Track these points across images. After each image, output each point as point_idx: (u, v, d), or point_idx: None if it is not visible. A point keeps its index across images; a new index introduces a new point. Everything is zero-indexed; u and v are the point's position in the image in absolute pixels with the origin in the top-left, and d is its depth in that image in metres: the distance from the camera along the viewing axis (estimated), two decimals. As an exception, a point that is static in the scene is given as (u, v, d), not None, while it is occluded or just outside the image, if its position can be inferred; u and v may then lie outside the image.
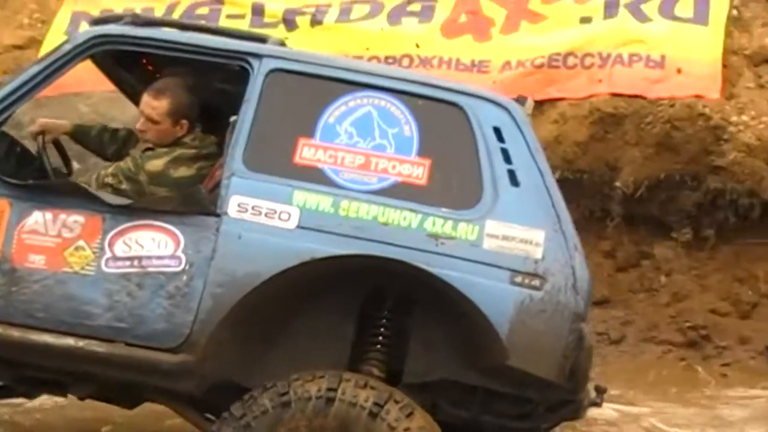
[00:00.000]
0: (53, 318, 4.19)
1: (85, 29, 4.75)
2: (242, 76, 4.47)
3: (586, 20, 7.98)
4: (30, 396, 5.15)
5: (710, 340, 7.22)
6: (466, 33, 8.06)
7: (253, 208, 4.25)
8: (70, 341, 4.17)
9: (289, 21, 8.21)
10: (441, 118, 4.41)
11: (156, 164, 4.64)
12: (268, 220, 4.23)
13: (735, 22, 7.91)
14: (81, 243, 4.25)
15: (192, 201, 4.30)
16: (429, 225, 4.22)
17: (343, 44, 8.04)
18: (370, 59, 7.95)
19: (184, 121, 4.71)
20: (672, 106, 7.51)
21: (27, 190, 4.30)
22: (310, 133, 4.36)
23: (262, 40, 4.72)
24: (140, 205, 4.30)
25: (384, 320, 4.41)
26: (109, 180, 4.58)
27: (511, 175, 4.32)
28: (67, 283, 4.21)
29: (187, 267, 4.20)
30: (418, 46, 8.00)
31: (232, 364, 4.31)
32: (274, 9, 8.28)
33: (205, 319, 4.15)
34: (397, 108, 4.45)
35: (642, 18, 7.92)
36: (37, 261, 4.22)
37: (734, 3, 7.99)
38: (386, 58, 7.98)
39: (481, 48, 7.98)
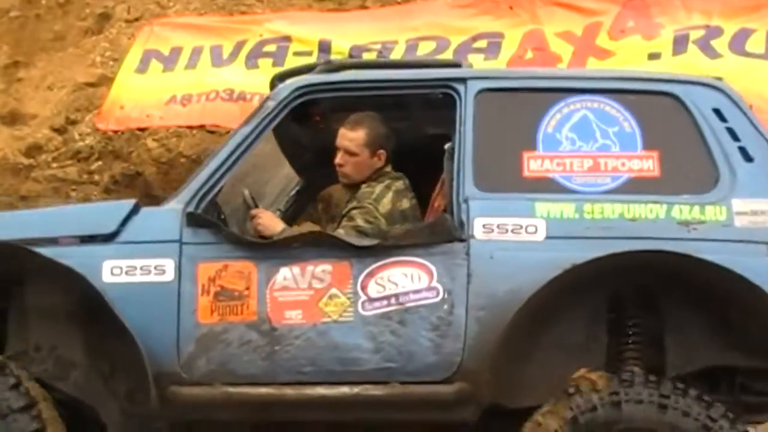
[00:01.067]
0: (322, 370, 4.26)
1: (283, 84, 4.85)
2: (433, 104, 4.65)
3: (654, 56, 7.88)
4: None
5: None
6: (532, 70, 8.02)
7: (498, 226, 4.33)
8: (344, 390, 4.25)
9: (355, 58, 8.21)
10: (658, 110, 4.53)
11: (384, 203, 4.72)
12: (515, 236, 4.32)
13: (807, 58, 7.75)
14: (334, 291, 4.33)
15: (440, 231, 4.36)
16: (677, 213, 4.32)
17: (412, 81, 8.07)
18: (436, 96, 8.01)
19: (382, 152, 4.79)
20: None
21: (267, 248, 4.40)
22: (532, 146, 4.48)
23: (456, 65, 4.85)
24: (389, 243, 4.36)
25: (634, 318, 4.45)
26: (354, 225, 4.58)
27: (743, 151, 4.46)
28: (328, 333, 4.28)
29: (445, 296, 4.27)
30: (485, 82, 7.99)
31: (501, 385, 4.36)
32: (341, 46, 8.24)
33: (474, 345, 4.22)
34: (611, 107, 4.55)
35: (712, 54, 7.81)
36: (294, 316, 4.30)
37: (807, 39, 7.80)
38: (457, 94, 8.01)
39: (548, 84, 7.94)
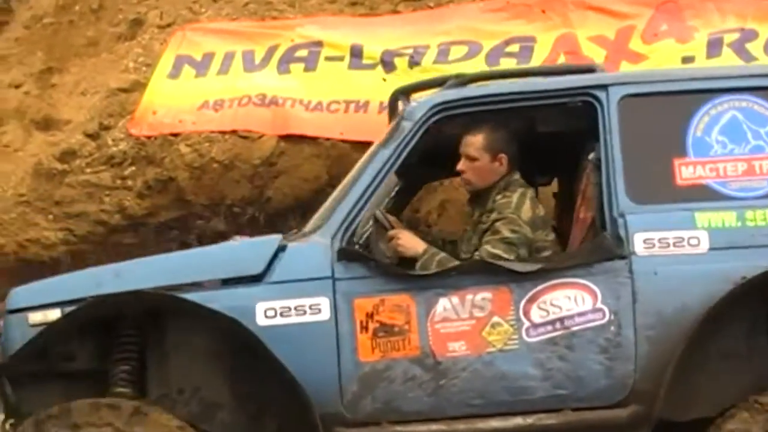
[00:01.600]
0: (492, 401, 4.18)
1: (417, 102, 4.69)
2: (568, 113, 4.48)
3: (688, 60, 7.83)
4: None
5: None
6: (566, 74, 7.98)
7: (659, 241, 4.21)
8: (518, 421, 4.18)
9: (387, 63, 8.21)
10: None
11: (525, 211, 4.56)
12: (678, 249, 4.19)
13: (842, 60, 7.69)
14: (496, 319, 4.24)
15: (601, 249, 4.25)
16: None
17: (442, 86, 8.06)
18: (468, 100, 7.98)
19: (502, 155, 4.64)
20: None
21: (423, 278, 4.28)
22: (682, 152, 4.32)
23: (589, 70, 4.68)
24: (551, 266, 4.24)
25: None
26: (501, 237, 4.45)
27: None
28: (494, 362, 4.20)
29: (611, 317, 4.18)
30: (517, 86, 7.97)
31: (671, 401, 4.26)
32: (372, 50, 8.25)
33: (645, 365, 4.15)
34: (760, 105, 4.40)
35: (747, 58, 7.76)
36: (458, 348, 4.20)
37: None
38: (485, 98, 7.99)
39: (581, 88, 7.91)
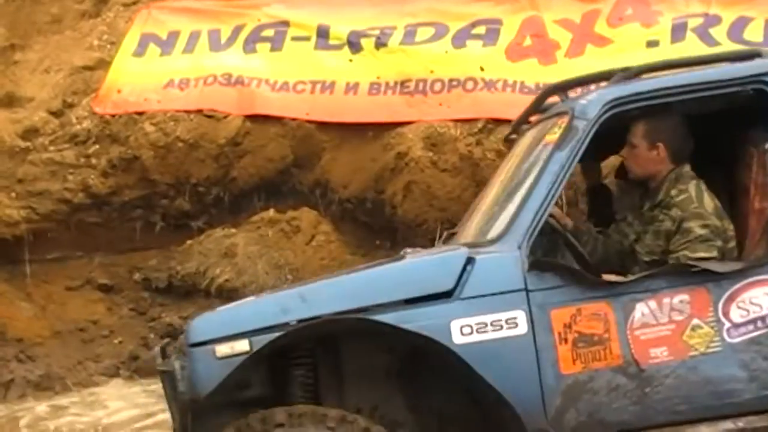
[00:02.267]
0: (698, 407, 4.07)
1: (587, 99, 4.46)
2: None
3: (653, 44, 7.90)
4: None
5: None
6: (531, 56, 8.03)
7: None
8: (728, 425, 4.07)
9: (353, 43, 8.21)
10: None
11: (707, 202, 4.41)
12: None
13: (806, 46, 7.76)
14: (696, 321, 4.11)
15: None
16: None
17: (407, 67, 8.13)
18: (433, 82, 8.00)
19: (660, 145, 4.46)
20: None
21: (618, 285, 4.14)
22: None
23: (755, 55, 4.49)
24: (749, 265, 4.14)
25: None
26: (697, 236, 4.32)
27: None
28: (698, 367, 4.08)
29: None
30: (482, 69, 8.02)
31: None
32: (339, 31, 8.25)
33: None
34: None
35: (710, 42, 7.82)
36: (660, 354, 4.08)
37: (807, 27, 7.81)
38: (450, 80, 8.07)
39: (546, 71, 7.96)
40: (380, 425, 4.06)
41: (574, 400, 4.05)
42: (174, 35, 8.45)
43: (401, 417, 4.21)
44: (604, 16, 8.02)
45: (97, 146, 8.26)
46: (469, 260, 4.09)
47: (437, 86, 8.04)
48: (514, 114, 7.65)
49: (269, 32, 8.37)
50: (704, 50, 7.74)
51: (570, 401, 4.05)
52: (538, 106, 5.05)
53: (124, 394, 7.34)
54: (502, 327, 4.01)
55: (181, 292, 7.92)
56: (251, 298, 4.46)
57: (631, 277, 4.18)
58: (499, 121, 7.83)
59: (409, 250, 4.66)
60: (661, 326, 4.11)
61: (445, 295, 4.04)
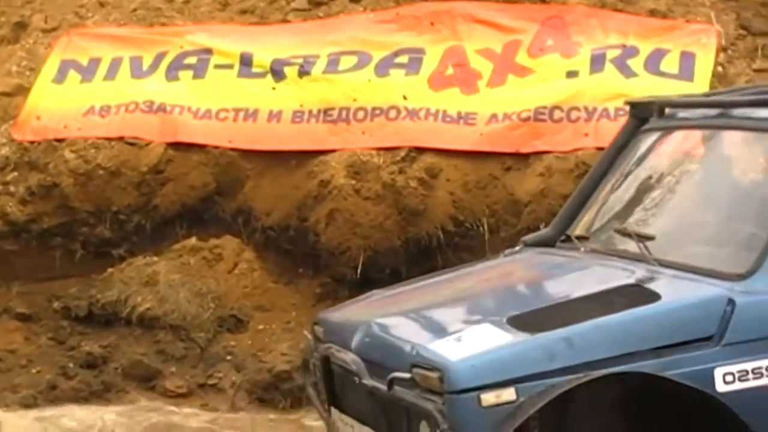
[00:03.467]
0: None
1: None
2: None
3: (572, 74, 8.02)
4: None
5: None
6: (453, 85, 8.10)
7: None
8: None
9: (276, 71, 8.21)
10: None
11: None
12: None
13: (720, 79, 7.95)
14: None
15: None
16: None
17: (331, 95, 8.14)
18: (356, 110, 8.04)
19: None
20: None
21: None
22: None
23: None
24: None
25: None
26: None
27: None
28: None
29: None
30: (405, 97, 8.07)
31: None
32: (262, 59, 8.25)
33: None
34: None
35: (628, 74, 7.97)
36: None
37: (719, 60, 8.00)
38: (373, 109, 8.09)
39: (468, 101, 8.06)
40: None
41: None
42: (95, 62, 8.38)
43: None
44: (525, 46, 8.13)
45: (15, 173, 8.14)
46: (730, 302, 3.90)
47: (360, 114, 8.07)
48: (436, 142, 7.85)
49: (192, 60, 8.34)
50: (623, 81, 7.93)
51: None
52: (729, 107, 4.70)
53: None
54: (762, 375, 3.87)
55: (102, 321, 7.82)
56: (511, 342, 3.96)
57: None
58: (421, 150, 7.89)
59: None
60: None
61: (707, 340, 3.89)
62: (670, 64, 7.94)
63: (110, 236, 8.09)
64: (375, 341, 4.26)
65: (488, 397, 3.70)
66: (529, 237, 5.06)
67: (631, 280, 4.18)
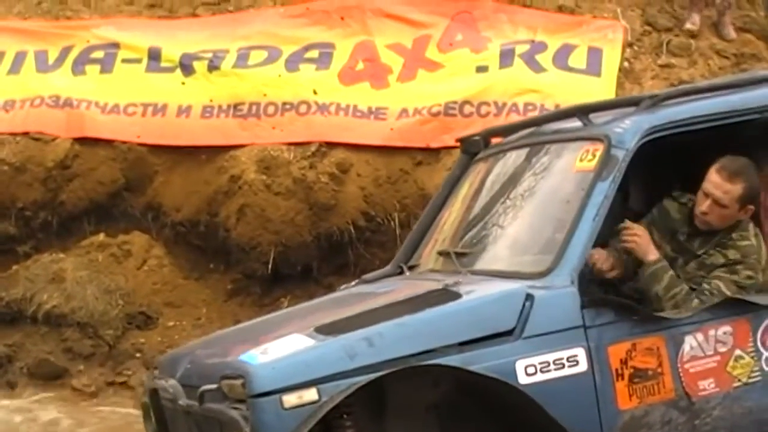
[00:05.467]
0: None
1: (617, 126, 4.34)
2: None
3: (482, 69, 8.08)
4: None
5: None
6: (363, 80, 8.11)
7: None
8: None
9: (185, 66, 8.14)
10: None
11: (763, 255, 4.39)
12: None
13: (627, 74, 8.07)
14: (738, 352, 4.15)
15: None
16: None
17: (240, 90, 8.10)
18: (266, 105, 8.00)
19: (751, 207, 4.39)
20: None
21: (669, 319, 4.12)
22: None
23: None
24: None
25: None
26: (736, 281, 4.28)
27: None
28: (741, 397, 4.13)
29: None
30: (315, 92, 8.05)
31: None
32: (171, 53, 8.16)
33: None
34: None
35: (536, 68, 8.04)
36: (707, 386, 4.10)
37: (626, 55, 8.12)
38: (283, 104, 8.07)
39: (379, 95, 8.07)
40: None
41: None
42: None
43: None
44: (435, 41, 8.17)
45: None
46: (528, 297, 4.01)
47: (270, 109, 8.03)
48: (346, 137, 7.85)
49: (99, 54, 8.23)
50: (531, 76, 8.00)
51: None
52: (541, 123, 4.90)
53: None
54: (563, 365, 3.96)
55: (7, 319, 7.68)
56: (314, 345, 4.02)
57: (691, 312, 4.17)
58: (332, 145, 7.88)
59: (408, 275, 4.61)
60: (708, 358, 4.13)
61: (507, 334, 3.97)
62: (578, 59, 8.04)
63: (15, 233, 7.97)
64: (194, 366, 4.33)
65: (290, 399, 3.76)
66: (369, 275, 5.16)
67: (439, 286, 4.30)
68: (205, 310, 7.81)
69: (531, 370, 3.94)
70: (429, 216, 5.20)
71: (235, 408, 3.82)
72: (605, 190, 4.17)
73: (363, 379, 3.79)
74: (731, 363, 4.17)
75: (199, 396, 4.04)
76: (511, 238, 4.56)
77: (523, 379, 3.92)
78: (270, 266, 7.70)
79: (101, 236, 7.98)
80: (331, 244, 7.80)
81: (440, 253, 4.84)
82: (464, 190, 5.05)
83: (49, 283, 7.65)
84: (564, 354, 3.97)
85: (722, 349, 4.16)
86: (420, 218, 5.35)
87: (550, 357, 3.95)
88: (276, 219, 7.74)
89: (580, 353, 3.99)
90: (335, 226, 7.77)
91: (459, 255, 4.61)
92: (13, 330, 7.62)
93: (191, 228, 8.00)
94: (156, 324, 7.72)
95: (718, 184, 4.34)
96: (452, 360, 3.88)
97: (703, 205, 4.39)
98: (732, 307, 4.21)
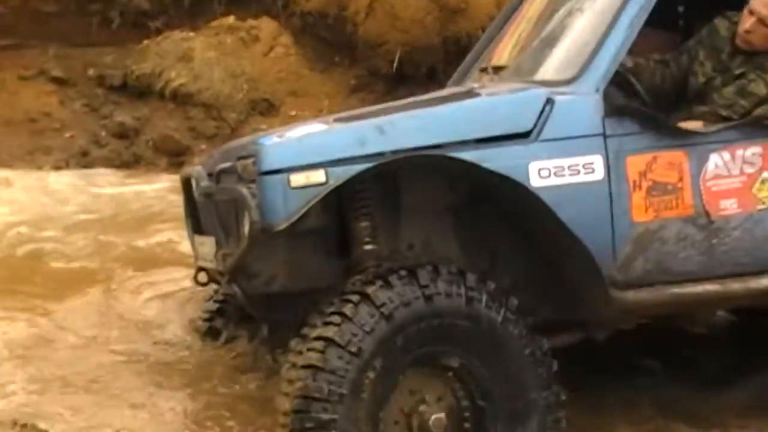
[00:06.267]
0: (760, 260, 4.10)
1: None
2: None
3: None
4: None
5: None
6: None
7: None
8: None
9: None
10: None
11: None
12: None
13: None
14: (765, 175, 4.12)
15: None
16: None
17: None
18: None
19: None
20: None
21: (695, 135, 4.11)
22: None
23: None
24: None
25: None
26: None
27: None
28: (764, 221, 4.10)
29: None
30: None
31: None
32: None
33: None
34: None
35: None
36: (729, 206, 4.08)
37: None
38: None
39: None
40: (431, 259, 3.97)
41: (644, 249, 4.05)
42: None
43: (453, 254, 4.13)
44: None
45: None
46: (549, 101, 3.99)
47: None
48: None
49: None
50: None
51: (639, 249, 4.04)
52: None
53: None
54: (579, 172, 3.97)
55: (136, 93, 7.84)
56: (327, 128, 4.11)
57: (711, 128, 4.13)
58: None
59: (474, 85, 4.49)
60: (733, 178, 4.10)
61: (524, 136, 3.96)
62: None
63: (148, 8, 8.04)
64: (224, 154, 4.37)
65: (298, 178, 3.78)
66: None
67: (464, 89, 4.30)
68: (327, 103, 7.86)
69: (545, 173, 3.93)
70: (486, 38, 5.06)
71: (247, 187, 3.87)
72: (642, 2, 4.10)
73: (372, 165, 3.80)
74: (757, 185, 4.11)
75: (216, 176, 4.16)
76: (547, 51, 4.47)
77: (535, 181, 3.91)
78: (395, 65, 7.69)
79: (231, 19, 8.01)
80: (459, 48, 7.71)
81: (482, 70, 4.78)
82: (522, 10, 4.91)
83: (177, 61, 7.77)
84: (580, 161, 3.96)
85: (749, 170, 4.11)
86: (480, 39, 5.22)
87: (566, 162, 3.95)
88: (405, 18, 7.69)
89: (597, 161, 3.98)
90: (464, 31, 7.69)
91: (496, 69, 4.58)
92: (142, 104, 7.78)
93: (320, 19, 7.99)
94: (278, 112, 7.82)
95: (765, 2, 4.25)
96: (464, 156, 3.88)
97: (747, 23, 4.30)
98: (763, 129, 4.13)
